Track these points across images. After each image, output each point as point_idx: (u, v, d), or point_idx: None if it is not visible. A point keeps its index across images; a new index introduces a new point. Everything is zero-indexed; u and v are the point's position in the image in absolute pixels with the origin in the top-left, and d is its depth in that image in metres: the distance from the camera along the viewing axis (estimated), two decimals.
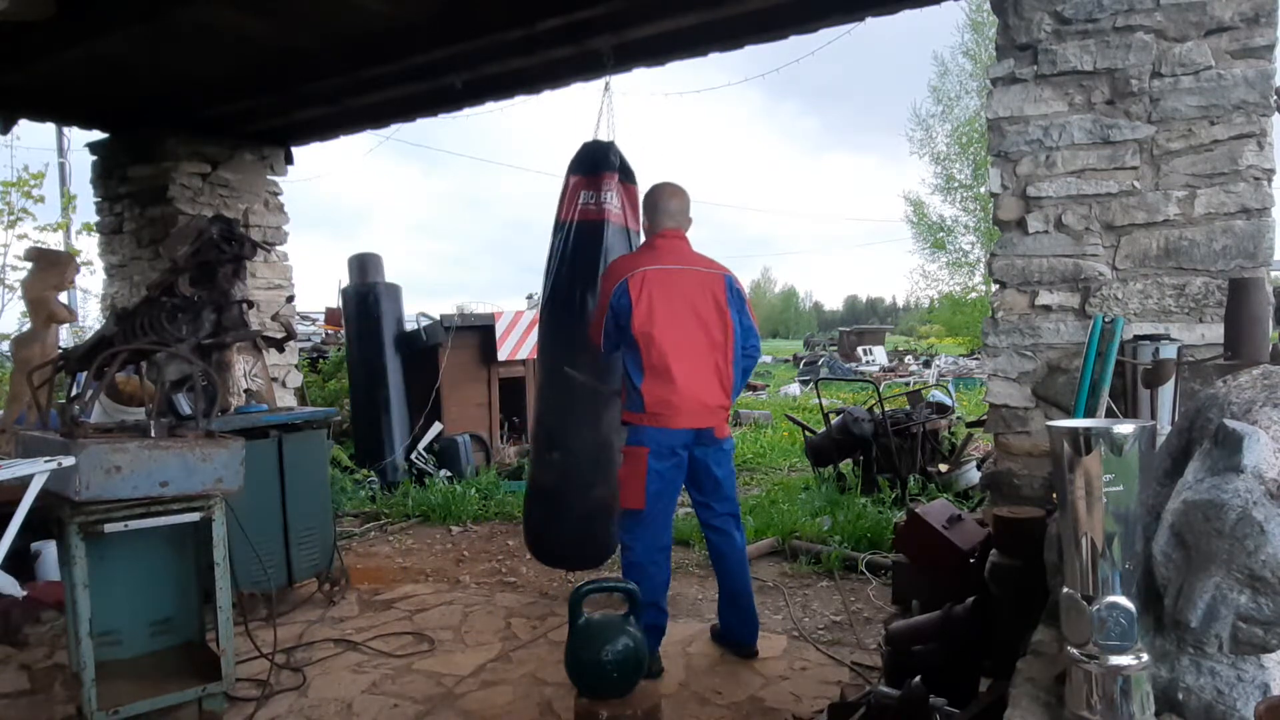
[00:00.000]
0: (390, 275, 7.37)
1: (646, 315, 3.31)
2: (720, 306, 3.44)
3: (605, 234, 4.01)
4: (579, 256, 4.02)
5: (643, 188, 3.77)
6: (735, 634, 3.59)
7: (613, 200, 4.05)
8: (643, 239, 3.65)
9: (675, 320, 3.36)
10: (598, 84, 4.47)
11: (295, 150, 6.49)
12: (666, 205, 3.51)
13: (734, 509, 3.59)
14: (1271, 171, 2.75)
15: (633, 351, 3.36)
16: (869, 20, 4.13)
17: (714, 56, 4.55)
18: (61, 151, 12.22)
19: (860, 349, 25.14)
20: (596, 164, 4.08)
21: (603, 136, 4.24)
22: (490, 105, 5.47)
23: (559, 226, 4.15)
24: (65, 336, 6.78)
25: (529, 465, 4.57)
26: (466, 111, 5.69)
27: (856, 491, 5.88)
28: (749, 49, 4.45)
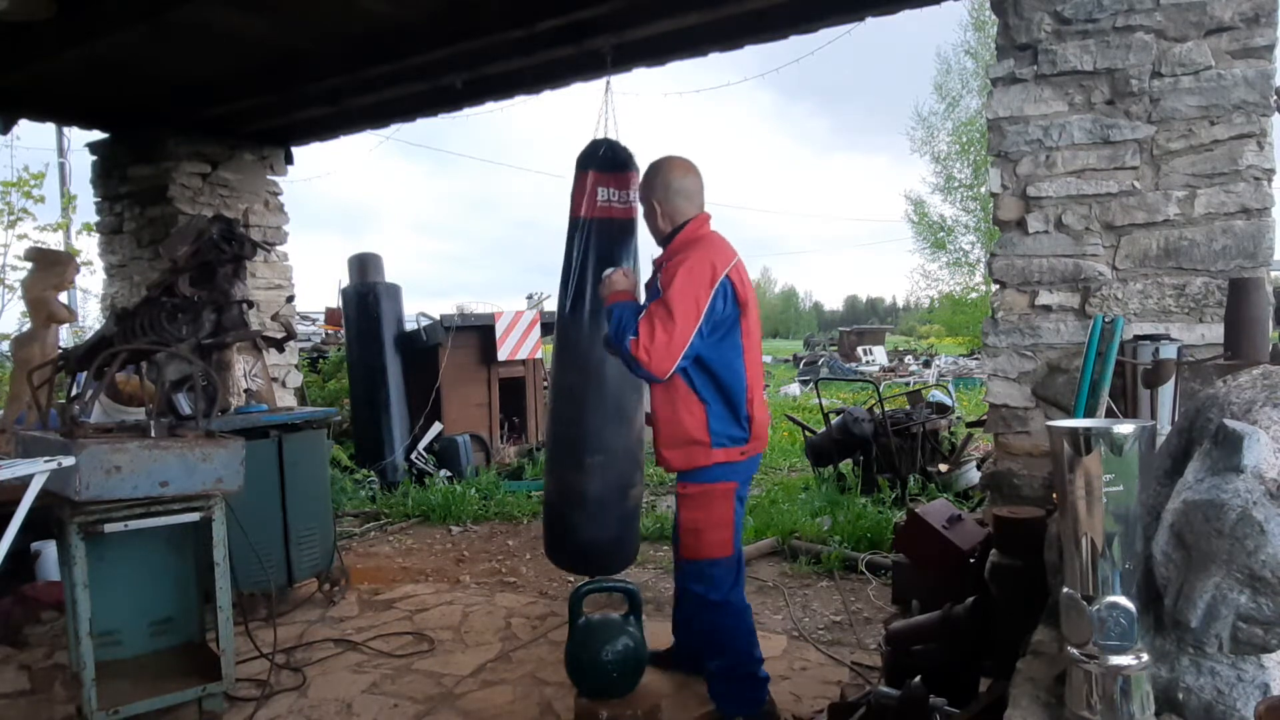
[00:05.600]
0: (393, 275, 7.40)
1: (750, 322, 2.78)
2: None
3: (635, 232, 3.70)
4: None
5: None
6: (763, 690, 2.89)
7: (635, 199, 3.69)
8: (669, 226, 2.89)
9: (756, 325, 2.85)
10: (599, 84, 4.46)
11: (296, 150, 6.50)
12: (686, 184, 2.86)
13: None
14: (1271, 171, 2.75)
15: (729, 366, 2.70)
16: (879, 19, 4.13)
17: (722, 55, 4.56)
18: (61, 151, 12.22)
19: (860, 349, 25.15)
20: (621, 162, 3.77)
21: (602, 136, 4.20)
22: (490, 105, 5.50)
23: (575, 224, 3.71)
24: (65, 336, 6.78)
25: (551, 472, 3.98)
26: (469, 111, 5.71)
27: (856, 491, 5.89)
28: (754, 48, 4.46)
